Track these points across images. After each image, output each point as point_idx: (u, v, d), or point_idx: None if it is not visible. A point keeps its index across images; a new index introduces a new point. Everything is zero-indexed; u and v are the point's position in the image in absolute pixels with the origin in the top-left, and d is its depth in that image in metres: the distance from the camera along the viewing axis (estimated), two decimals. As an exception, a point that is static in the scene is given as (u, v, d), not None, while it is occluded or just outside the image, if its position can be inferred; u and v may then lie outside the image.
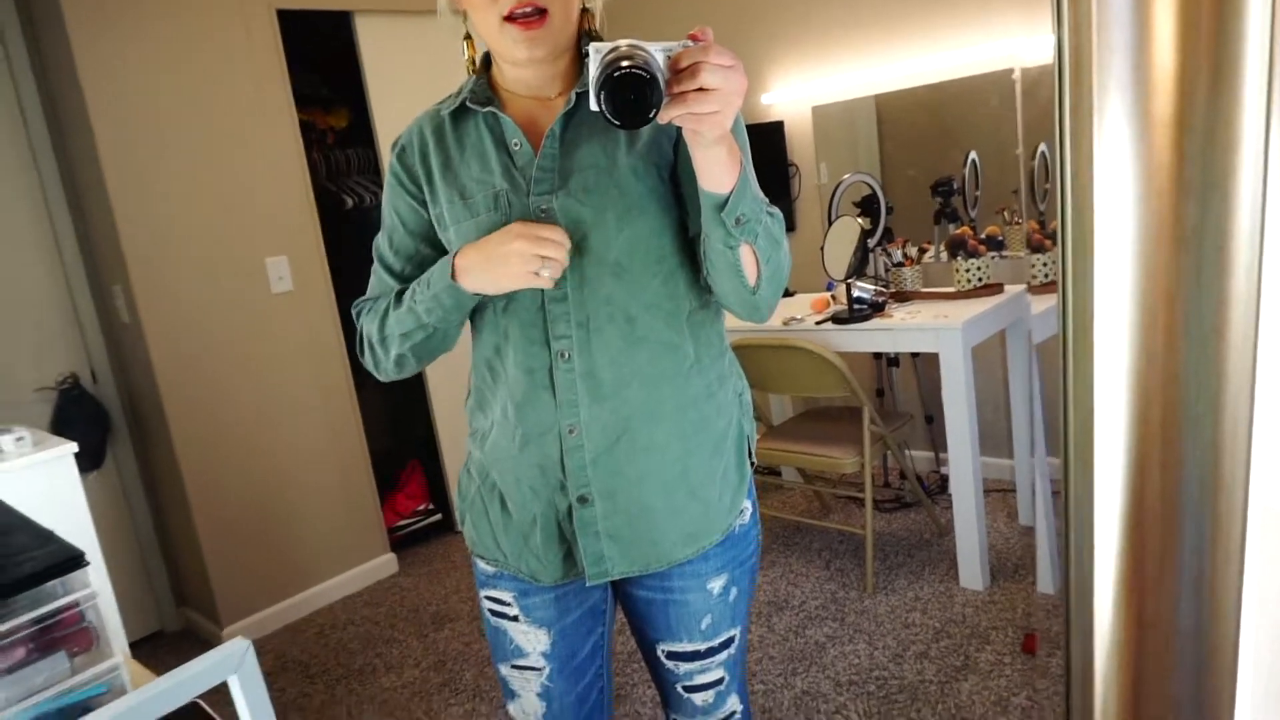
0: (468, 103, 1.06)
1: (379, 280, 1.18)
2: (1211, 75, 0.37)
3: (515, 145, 1.04)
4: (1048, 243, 2.87)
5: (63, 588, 0.76)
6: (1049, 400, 2.76)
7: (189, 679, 0.71)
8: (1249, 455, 0.43)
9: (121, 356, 2.95)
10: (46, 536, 0.81)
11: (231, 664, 0.73)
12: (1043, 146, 3.01)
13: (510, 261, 0.99)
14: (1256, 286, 0.40)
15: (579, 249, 1.03)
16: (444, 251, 1.12)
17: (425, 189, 1.11)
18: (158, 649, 3.03)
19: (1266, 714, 0.48)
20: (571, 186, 1.02)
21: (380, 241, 1.17)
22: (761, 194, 1.01)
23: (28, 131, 2.79)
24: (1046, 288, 2.83)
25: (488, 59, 1.10)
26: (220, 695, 0.72)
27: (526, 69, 1.04)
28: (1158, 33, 0.37)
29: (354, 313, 1.20)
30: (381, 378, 1.19)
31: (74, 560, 0.76)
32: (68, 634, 0.78)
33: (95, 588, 0.79)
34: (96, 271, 2.89)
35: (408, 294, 1.10)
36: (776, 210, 1.03)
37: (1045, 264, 2.84)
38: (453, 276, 1.03)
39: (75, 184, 2.83)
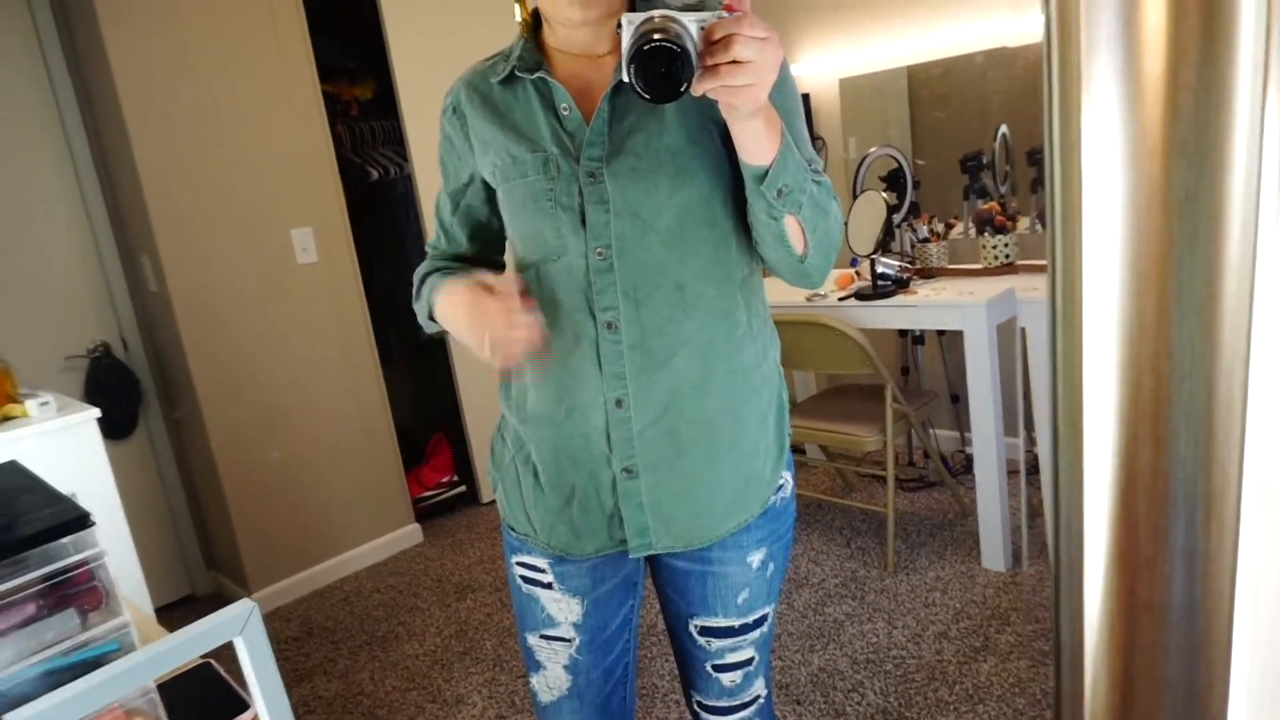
0: (516, 71, 1.04)
1: (437, 228, 1.22)
2: (1205, 27, 0.35)
3: (565, 110, 1.02)
4: (1009, 224, 2.82)
5: (74, 547, 0.78)
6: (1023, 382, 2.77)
7: (194, 638, 0.72)
8: (1244, 428, 0.41)
9: (151, 325, 3.00)
10: (57, 498, 0.83)
11: (236, 625, 0.74)
12: (1003, 127, 2.94)
13: (457, 325, 1.03)
14: (1252, 254, 0.38)
15: (630, 216, 1.00)
16: (486, 205, 1.15)
17: (475, 147, 1.10)
18: (189, 612, 3.10)
19: (1264, 692, 0.47)
20: (623, 152, 0.99)
21: (440, 192, 1.20)
22: (811, 158, 0.98)
23: (57, 102, 2.83)
24: (1007, 268, 2.80)
25: (538, 16, 1.08)
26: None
27: (580, 30, 1.02)
28: (1149, -15, 0.36)
29: (430, 252, 1.24)
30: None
31: (79, 520, 0.77)
32: (77, 592, 0.80)
33: (104, 548, 0.80)
34: (126, 241, 2.94)
35: (427, 287, 1.13)
36: (825, 177, 1.00)
37: (1006, 245, 2.78)
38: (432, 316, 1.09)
39: (104, 155, 2.86)
